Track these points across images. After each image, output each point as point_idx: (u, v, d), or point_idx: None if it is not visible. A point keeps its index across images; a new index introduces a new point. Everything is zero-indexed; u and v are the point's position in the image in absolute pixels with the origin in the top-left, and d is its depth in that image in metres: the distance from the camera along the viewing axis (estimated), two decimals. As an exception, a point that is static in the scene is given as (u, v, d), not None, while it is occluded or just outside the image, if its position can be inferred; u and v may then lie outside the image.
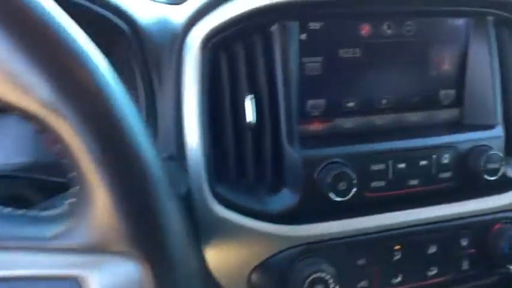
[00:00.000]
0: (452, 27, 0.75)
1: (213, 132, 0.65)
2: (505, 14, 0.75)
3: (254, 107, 0.65)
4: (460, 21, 0.76)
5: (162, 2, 0.77)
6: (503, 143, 0.75)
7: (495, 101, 0.75)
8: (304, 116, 0.71)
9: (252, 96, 0.64)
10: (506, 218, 0.78)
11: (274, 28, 0.66)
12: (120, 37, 0.63)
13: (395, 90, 0.75)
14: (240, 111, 0.66)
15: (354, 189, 0.64)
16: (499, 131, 0.75)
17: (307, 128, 0.71)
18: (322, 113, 0.72)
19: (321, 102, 0.71)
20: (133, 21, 0.64)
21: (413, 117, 0.76)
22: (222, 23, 0.64)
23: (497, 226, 0.77)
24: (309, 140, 0.69)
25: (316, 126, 0.72)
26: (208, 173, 0.64)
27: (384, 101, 0.75)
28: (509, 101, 0.78)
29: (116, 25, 0.62)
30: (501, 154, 0.71)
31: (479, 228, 0.75)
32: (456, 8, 0.74)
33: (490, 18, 0.75)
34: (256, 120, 0.65)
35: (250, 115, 0.65)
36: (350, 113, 0.73)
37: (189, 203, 0.64)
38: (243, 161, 0.66)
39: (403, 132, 0.73)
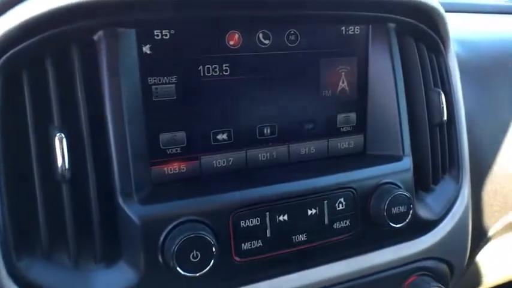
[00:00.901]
0: (347, 37, 0.61)
1: (11, 186, 0.45)
2: (408, 20, 0.61)
3: (67, 149, 0.46)
4: (357, 30, 0.61)
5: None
6: (412, 178, 0.61)
7: (402, 126, 0.61)
8: (159, 155, 0.53)
9: (61, 134, 0.45)
10: (422, 268, 0.64)
11: (99, 36, 0.47)
12: None
13: (281, 116, 0.59)
14: (52, 154, 0.46)
15: (213, 261, 0.46)
16: (406, 163, 0.61)
17: (162, 171, 0.53)
18: (183, 149, 0.54)
19: (180, 135, 0.54)
20: None
21: (305, 149, 0.61)
22: (15, 29, 0.44)
23: (410, 280, 0.63)
24: (161, 190, 0.51)
25: (175, 168, 0.54)
26: (3, 244, 0.45)
27: (267, 130, 0.58)
28: (419, 125, 0.64)
29: None
30: (408, 194, 0.57)
31: (388, 285, 0.61)
32: (349, 12, 0.59)
33: (392, 25, 0.61)
34: (76, 167, 0.47)
35: (60, 160, 0.45)
36: (222, 147, 0.56)
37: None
38: (58, 225, 0.47)
39: (288, 171, 0.57)
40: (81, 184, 0.47)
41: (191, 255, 0.45)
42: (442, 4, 0.64)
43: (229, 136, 0.56)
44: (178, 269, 0.45)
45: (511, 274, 0.87)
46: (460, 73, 0.70)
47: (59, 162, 0.45)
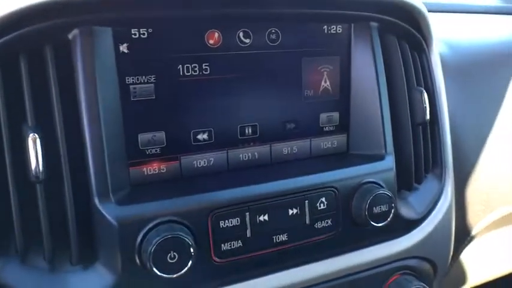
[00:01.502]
0: (329, 35, 0.60)
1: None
2: (391, 18, 0.61)
3: (41, 149, 0.45)
4: (339, 28, 0.61)
5: None
6: (394, 177, 0.61)
7: (384, 125, 0.61)
8: (138, 156, 0.52)
9: (35, 134, 0.45)
10: (405, 267, 0.64)
11: (74, 35, 0.47)
12: None
13: (262, 115, 0.58)
14: (26, 155, 0.46)
15: (191, 262, 0.46)
16: (389, 162, 0.61)
17: (141, 172, 0.53)
18: (163, 150, 0.54)
19: (160, 135, 0.53)
20: None
21: (287, 148, 0.60)
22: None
23: (393, 278, 0.62)
24: (140, 191, 0.51)
25: (155, 168, 0.53)
26: None
27: (248, 130, 0.58)
28: (401, 124, 0.64)
29: None
30: (390, 193, 0.57)
31: (370, 284, 0.61)
32: (331, 11, 0.58)
33: (374, 24, 0.61)
34: (51, 167, 0.46)
35: (34, 161, 0.45)
36: (202, 147, 0.56)
37: None
38: (33, 226, 0.46)
39: (269, 171, 0.57)
40: (56, 184, 0.47)
41: (168, 256, 0.45)
42: (432, 4, 0.64)
43: (209, 136, 0.56)
44: (155, 270, 0.45)
45: (494, 273, 0.87)
46: (445, 73, 0.70)
47: (33, 163, 0.45)
